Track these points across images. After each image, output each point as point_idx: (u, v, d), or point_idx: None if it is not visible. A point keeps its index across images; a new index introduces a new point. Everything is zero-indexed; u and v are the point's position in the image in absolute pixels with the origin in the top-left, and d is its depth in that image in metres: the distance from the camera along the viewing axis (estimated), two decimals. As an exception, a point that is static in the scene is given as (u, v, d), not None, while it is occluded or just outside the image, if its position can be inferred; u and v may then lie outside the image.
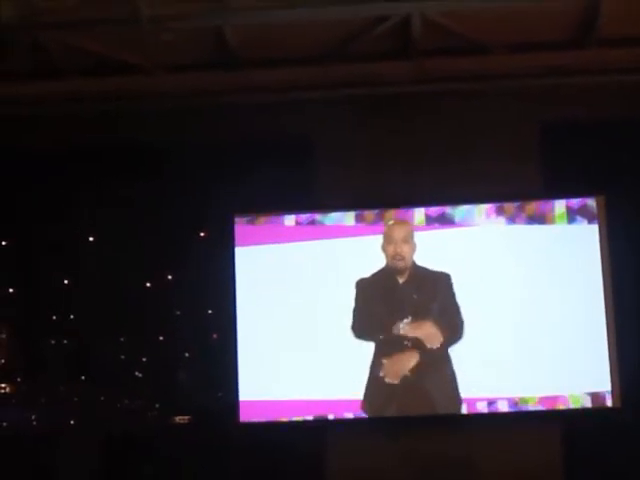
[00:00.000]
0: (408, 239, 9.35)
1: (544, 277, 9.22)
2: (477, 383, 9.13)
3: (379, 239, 9.36)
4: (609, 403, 9.08)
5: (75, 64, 8.96)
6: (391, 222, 9.41)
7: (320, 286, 9.41)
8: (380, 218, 9.40)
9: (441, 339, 9.19)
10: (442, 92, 9.25)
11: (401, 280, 9.32)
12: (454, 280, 9.26)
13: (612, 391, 9.07)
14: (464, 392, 9.15)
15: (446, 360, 9.18)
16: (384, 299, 9.33)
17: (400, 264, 9.31)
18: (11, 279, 10.96)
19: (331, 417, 9.28)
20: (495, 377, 9.13)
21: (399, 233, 9.36)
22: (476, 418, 9.15)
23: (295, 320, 9.39)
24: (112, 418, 10.62)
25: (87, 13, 7.92)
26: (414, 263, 9.32)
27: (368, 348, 9.27)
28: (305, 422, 9.32)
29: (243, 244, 9.49)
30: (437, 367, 9.19)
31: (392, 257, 9.33)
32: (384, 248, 9.36)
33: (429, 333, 9.20)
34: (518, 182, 9.31)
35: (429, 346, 9.19)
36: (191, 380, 10.88)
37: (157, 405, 10.95)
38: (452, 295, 9.24)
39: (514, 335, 9.17)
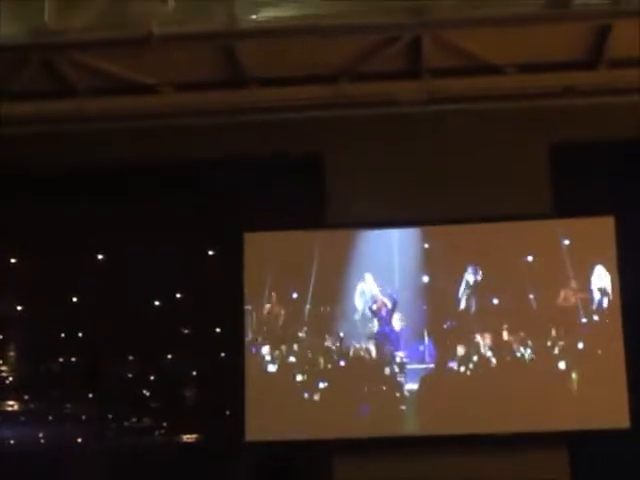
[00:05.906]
0: None
1: (555, 298, 9.21)
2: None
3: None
4: (619, 424, 9.04)
5: (87, 83, 9.01)
6: None
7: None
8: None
9: None
10: (452, 112, 9.28)
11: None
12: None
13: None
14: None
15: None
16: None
17: None
18: (19, 297, 10.98)
19: (339, 436, 9.24)
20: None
21: None
22: (483, 438, 9.12)
23: (304, 337, 9.34)
24: (120, 436, 10.62)
25: (99, 33, 7.98)
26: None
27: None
28: (313, 441, 9.27)
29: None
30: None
31: None
32: None
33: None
34: (528, 202, 9.30)
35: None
36: (199, 398, 10.88)
37: (165, 423, 10.96)
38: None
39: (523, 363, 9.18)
